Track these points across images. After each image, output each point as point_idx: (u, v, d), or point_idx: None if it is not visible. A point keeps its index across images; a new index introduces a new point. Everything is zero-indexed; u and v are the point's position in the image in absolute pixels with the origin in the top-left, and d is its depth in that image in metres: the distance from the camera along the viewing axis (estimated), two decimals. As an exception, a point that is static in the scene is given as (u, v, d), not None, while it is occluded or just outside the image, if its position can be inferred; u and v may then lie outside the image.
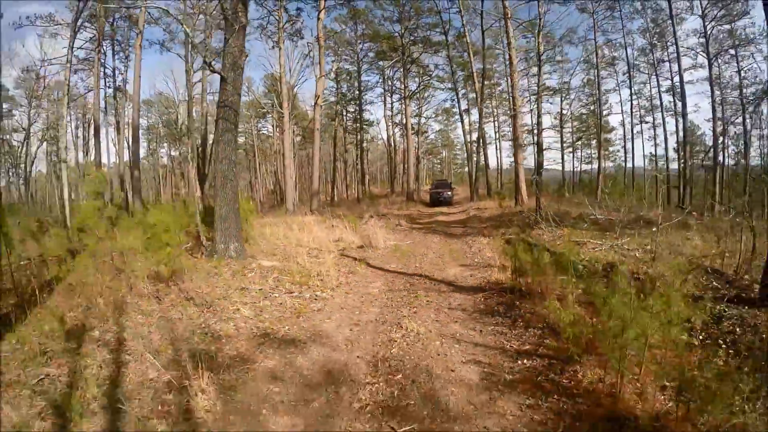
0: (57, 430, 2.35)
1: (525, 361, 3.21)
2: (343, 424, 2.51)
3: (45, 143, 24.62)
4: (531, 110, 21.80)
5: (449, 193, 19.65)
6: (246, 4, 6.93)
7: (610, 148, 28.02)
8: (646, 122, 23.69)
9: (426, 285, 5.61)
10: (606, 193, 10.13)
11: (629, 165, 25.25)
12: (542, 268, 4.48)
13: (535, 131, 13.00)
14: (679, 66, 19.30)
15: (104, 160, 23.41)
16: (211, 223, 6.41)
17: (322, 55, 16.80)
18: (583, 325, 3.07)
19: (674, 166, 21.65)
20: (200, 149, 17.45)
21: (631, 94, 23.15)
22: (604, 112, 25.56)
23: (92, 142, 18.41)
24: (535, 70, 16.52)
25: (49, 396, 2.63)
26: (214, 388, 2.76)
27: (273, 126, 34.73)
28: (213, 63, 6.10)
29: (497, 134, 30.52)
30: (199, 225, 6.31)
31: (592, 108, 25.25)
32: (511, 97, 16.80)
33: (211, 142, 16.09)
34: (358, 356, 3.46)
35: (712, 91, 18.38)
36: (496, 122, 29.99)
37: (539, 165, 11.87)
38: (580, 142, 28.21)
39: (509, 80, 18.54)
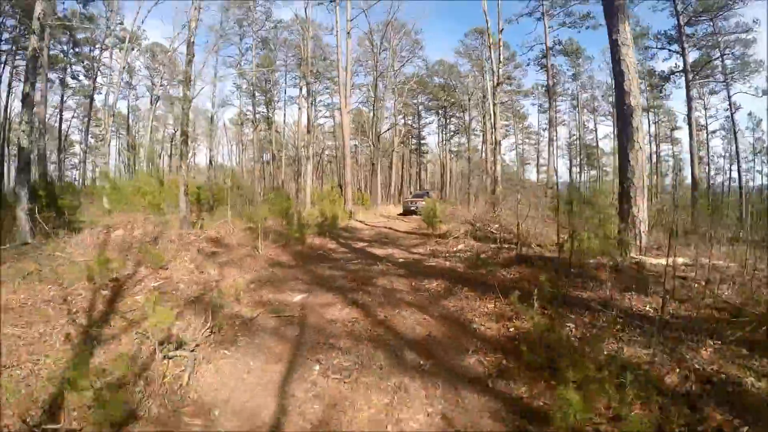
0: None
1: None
2: (387, 218, 19.87)
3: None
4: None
5: (422, 203, 19.70)
6: (379, 138, 24.76)
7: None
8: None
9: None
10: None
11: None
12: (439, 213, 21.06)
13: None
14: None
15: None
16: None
17: (396, 119, 34.42)
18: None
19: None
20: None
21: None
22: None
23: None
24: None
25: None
26: (366, 215, 20.32)
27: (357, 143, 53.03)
28: (378, 161, 23.80)
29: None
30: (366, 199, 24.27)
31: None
32: (494, 146, 32.50)
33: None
34: (396, 213, 20.85)
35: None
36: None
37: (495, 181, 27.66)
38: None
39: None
